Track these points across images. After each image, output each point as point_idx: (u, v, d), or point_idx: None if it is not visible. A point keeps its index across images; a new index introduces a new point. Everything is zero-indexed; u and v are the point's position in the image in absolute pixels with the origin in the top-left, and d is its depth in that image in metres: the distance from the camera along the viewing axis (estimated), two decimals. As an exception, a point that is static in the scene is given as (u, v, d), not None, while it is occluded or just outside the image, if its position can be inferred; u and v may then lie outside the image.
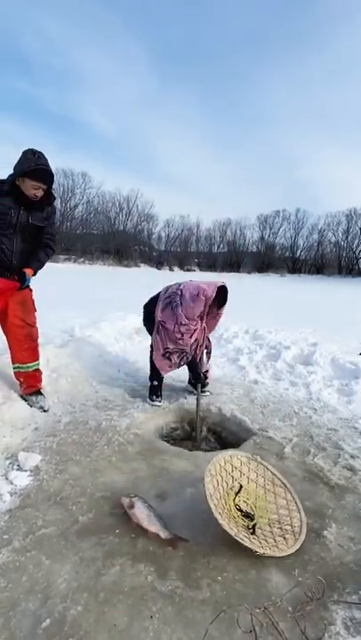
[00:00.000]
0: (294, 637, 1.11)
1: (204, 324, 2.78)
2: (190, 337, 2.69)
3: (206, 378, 3.02)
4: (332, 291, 20.57)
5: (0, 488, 1.72)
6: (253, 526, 1.55)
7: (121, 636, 1.09)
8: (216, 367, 3.84)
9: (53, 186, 2.41)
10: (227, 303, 2.84)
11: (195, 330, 2.70)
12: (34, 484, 1.80)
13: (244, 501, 1.66)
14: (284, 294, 16.87)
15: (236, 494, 1.67)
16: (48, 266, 2.65)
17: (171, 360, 2.78)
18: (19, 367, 2.56)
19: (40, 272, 2.54)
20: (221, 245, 52.59)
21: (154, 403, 2.82)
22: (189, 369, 3.04)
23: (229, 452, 1.85)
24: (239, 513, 1.60)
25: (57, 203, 2.52)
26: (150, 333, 2.92)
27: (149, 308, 2.90)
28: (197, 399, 2.65)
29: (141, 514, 1.51)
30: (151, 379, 2.91)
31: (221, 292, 2.73)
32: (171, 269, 41.27)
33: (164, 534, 1.46)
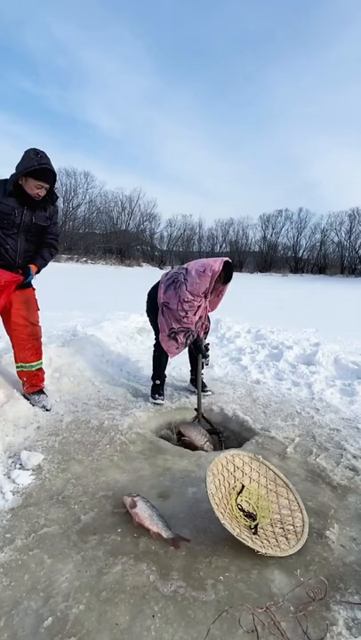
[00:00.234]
0: (296, 637, 1.11)
1: (207, 303, 2.75)
2: (195, 314, 2.67)
3: (207, 350, 2.97)
4: (335, 291, 20.50)
5: (2, 487, 1.73)
6: (255, 526, 1.54)
7: (123, 635, 1.10)
8: (218, 367, 3.84)
9: (56, 185, 2.41)
10: (231, 280, 2.78)
11: (199, 307, 2.67)
12: (36, 482, 1.80)
13: (246, 501, 1.66)
14: (287, 294, 16.83)
15: (238, 494, 1.67)
16: (51, 265, 2.66)
17: (177, 340, 2.73)
18: (22, 366, 2.57)
19: (43, 271, 2.55)
20: (224, 245, 52.50)
21: (156, 401, 2.82)
22: (190, 356, 3.01)
23: (231, 451, 1.84)
24: (241, 513, 1.60)
25: (59, 202, 2.52)
26: (153, 325, 2.89)
27: (152, 295, 2.86)
28: (198, 369, 2.62)
29: (143, 513, 1.52)
30: (154, 378, 2.91)
31: (227, 268, 2.68)
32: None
33: (165, 534, 1.46)
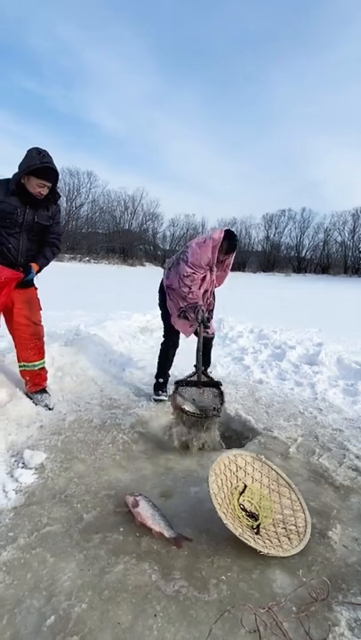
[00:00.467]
0: (298, 638, 1.11)
1: (213, 276, 2.70)
2: (199, 287, 2.63)
3: (209, 320, 2.80)
4: (338, 290, 20.44)
5: (5, 485, 1.73)
6: (258, 526, 1.54)
7: (125, 634, 1.10)
8: (220, 366, 3.84)
9: (59, 184, 2.42)
10: (236, 250, 2.72)
11: (202, 279, 2.62)
12: (39, 481, 1.81)
13: (249, 501, 1.66)
14: (290, 294, 16.78)
15: (241, 494, 1.67)
16: (53, 264, 2.66)
17: (188, 318, 2.70)
18: (24, 366, 2.57)
19: (45, 271, 2.55)
20: (226, 244, 52.36)
21: (159, 397, 2.82)
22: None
23: (234, 451, 1.84)
24: (243, 513, 1.59)
25: (62, 201, 2.51)
26: (163, 319, 2.87)
27: (160, 287, 2.85)
28: (199, 334, 2.60)
29: (145, 513, 1.52)
30: (157, 376, 2.91)
31: (229, 238, 2.62)
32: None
33: (168, 533, 1.46)
